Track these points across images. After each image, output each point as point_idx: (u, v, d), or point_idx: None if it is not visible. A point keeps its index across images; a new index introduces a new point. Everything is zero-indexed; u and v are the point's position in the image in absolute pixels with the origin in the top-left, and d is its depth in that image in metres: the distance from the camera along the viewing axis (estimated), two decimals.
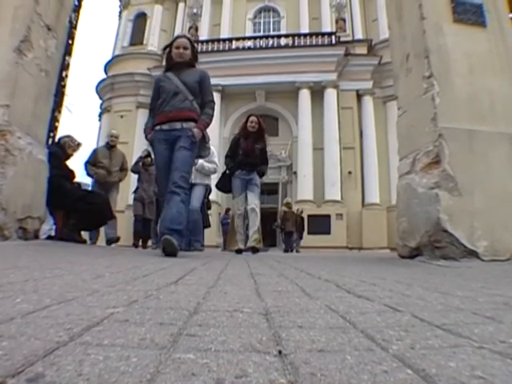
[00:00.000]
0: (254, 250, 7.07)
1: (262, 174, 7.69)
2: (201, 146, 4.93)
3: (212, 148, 7.64)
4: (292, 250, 17.83)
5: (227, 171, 7.86)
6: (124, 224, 16.98)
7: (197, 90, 4.84)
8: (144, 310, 1.05)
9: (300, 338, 0.81)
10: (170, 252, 4.11)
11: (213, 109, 5.02)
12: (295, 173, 28.88)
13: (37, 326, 0.85)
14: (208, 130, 4.93)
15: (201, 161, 8.09)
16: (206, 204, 10.61)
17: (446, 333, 0.89)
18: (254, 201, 7.45)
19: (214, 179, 9.14)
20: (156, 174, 5.13)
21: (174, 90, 4.78)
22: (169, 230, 4.21)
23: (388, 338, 0.82)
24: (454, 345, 0.80)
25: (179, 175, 4.46)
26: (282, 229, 18.72)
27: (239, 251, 7.09)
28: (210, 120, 4.94)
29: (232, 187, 7.68)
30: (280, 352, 0.72)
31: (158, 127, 4.77)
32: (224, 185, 7.93)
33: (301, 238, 20.12)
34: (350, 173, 28.58)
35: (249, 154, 7.46)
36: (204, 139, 4.91)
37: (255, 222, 7.33)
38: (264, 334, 0.84)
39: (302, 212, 20.51)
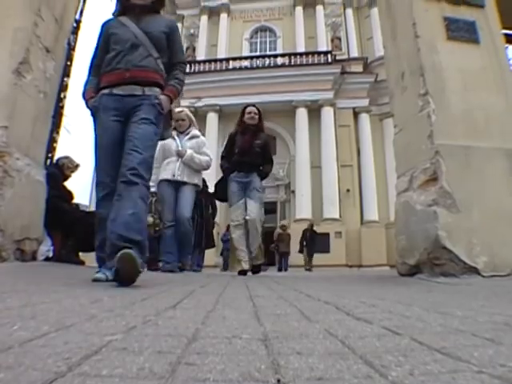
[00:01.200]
0: (255, 269, 6.32)
1: (264, 176, 6.57)
2: (164, 125, 3.68)
3: (202, 137, 7.31)
4: (286, 270, 18.56)
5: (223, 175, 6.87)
6: None
7: (164, 44, 3.61)
8: (142, 338, 1.04)
9: (299, 366, 0.80)
10: (128, 276, 2.70)
11: (184, 73, 3.83)
12: (293, 191, 28.88)
13: (35, 355, 0.85)
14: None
15: (190, 151, 6.75)
16: (212, 214, 10.28)
17: (445, 357, 0.89)
18: (253, 210, 6.26)
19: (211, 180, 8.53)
20: (96, 160, 3.48)
21: (133, 41, 3.48)
22: (124, 241, 2.82)
23: (387, 364, 0.82)
24: (454, 370, 0.79)
25: (139, 159, 3.16)
26: (277, 249, 19.52)
27: (242, 272, 6.10)
28: (181, 87, 3.72)
29: (228, 193, 6.55)
30: (279, 381, 0.72)
31: (106, 90, 3.43)
32: (223, 192, 6.69)
33: (311, 254, 19.73)
34: (348, 191, 28.59)
35: (246, 152, 6.40)
36: (170, 114, 3.72)
37: (255, 237, 6.22)
38: (263, 361, 0.83)
39: (312, 225, 20.47)
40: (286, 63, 30.95)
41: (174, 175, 6.68)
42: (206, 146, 7.20)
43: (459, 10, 5.15)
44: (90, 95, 3.55)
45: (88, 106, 3.56)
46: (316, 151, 28.68)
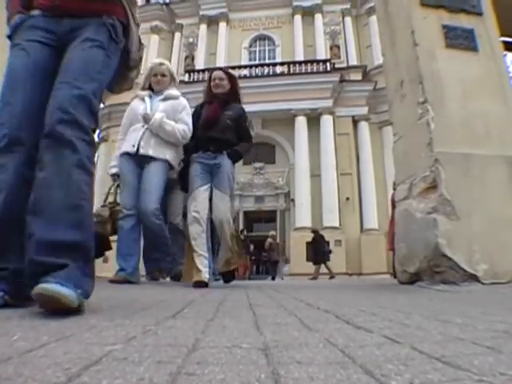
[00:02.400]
0: (226, 276, 5.05)
1: (237, 157, 5.08)
2: (122, 65, 2.47)
3: (182, 99, 5.61)
4: (281, 278, 19.16)
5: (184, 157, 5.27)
6: None
7: None
8: (142, 348, 1.04)
9: (299, 376, 0.80)
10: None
11: None
12: (293, 200, 28.88)
13: (34, 366, 0.85)
14: None
15: (160, 114, 5.11)
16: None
17: (445, 365, 0.89)
18: (220, 205, 4.78)
19: None
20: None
21: None
22: (46, 254, 1.70)
23: (387, 373, 0.82)
24: (454, 378, 0.79)
25: (75, 96, 1.99)
26: (269, 259, 20.01)
27: (200, 284, 4.34)
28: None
29: (189, 178, 4.95)
30: None
31: (36, 12, 2.25)
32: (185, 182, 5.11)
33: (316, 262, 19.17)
34: (347, 199, 28.59)
35: (212, 125, 4.95)
36: (128, 54, 2.50)
37: (227, 240, 4.72)
38: (263, 371, 0.83)
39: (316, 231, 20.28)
40: (285, 72, 31.02)
41: (134, 146, 5.06)
42: (186, 111, 5.38)
43: (457, 17, 5.18)
44: (15, 9, 2.36)
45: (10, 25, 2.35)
46: (315, 159, 28.71)
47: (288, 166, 30.12)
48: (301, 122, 29.63)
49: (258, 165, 30.58)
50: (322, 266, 18.45)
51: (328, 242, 20.18)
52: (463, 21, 5.18)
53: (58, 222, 1.78)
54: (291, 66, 31.40)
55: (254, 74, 31.42)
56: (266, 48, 35.80)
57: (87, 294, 1.78)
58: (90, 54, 2.16)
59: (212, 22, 35.28)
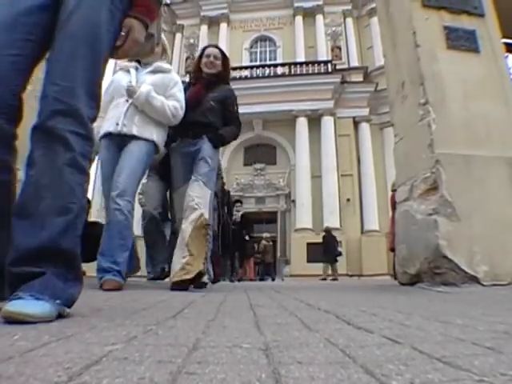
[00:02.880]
0: (197, 283, 4.16)
1: (219, 140, 4.45)
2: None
3: (174, 73, 4.81)
4: (270, 279, 19.26)
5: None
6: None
7: None
8: (143, 347, 1.04)
9: (299, 375, 0.80)
10: None
11: None
12: (294, 201, 28.91)
13: (35, 365, 0.85)
14: None
15: (147, 87, 4.27)
16: (229, 214, 9.14)
17: (445, 366, 0.89)
18: (190, 193, 4.11)
19: None
20: None
21: None
22: (21, 264, 1.54)
23: (387, 373, 0.82)
24: (454, 379, 0.79)
25: (66, 76, 1.73)
26: (262, 261, 20.06)
27: (179, 286, 3.85)
28: None
29: (171, 172, 4.65)
30: None
31: None
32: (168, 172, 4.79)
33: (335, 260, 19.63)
34: (348, 200, 28.62)
35: (193, 108, 4.45)
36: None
37: (184, 238, 3.94)
38: (263, 370, 0.83)
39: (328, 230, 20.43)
40: (286, 73, 31.07)
41: (118, 124, 4.22)
42: (178, 87, 4.55)
43: (459, 18, 5.18)
44: None
45: None
46: (316, 160, 28.73)
47: (289, 167, 30.15)
48: (302, 123, 29.67)
49: (258, 166, 30.63)
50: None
51: (338, 242, 20.36)
52: (465, 22, 5.18)
53: (43, 226, 1.59)
54: (292, 67, 31.45)
55: (254, 75, 31.48)
56: (267, 49, 35.84)
57: (69, 301, 1.63)
58: (91, 18, 1.81)
59: (213, 22, 35.31)
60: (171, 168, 4.61)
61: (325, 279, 17.58)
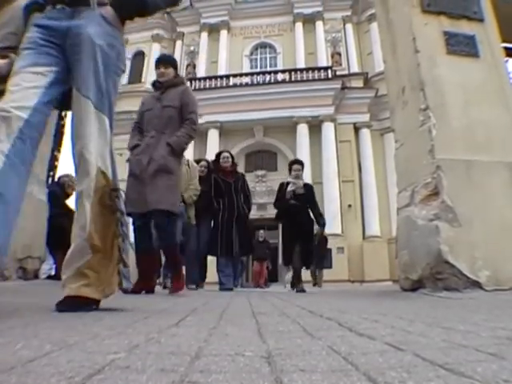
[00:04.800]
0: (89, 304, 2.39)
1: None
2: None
3: None
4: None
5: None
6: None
7: None
8: (145, 356, 1.04)
9: (302, 383, 0.80)
10: None
11: None
12: None
13: (38, 375, 0.84)
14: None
15: None
16: (247, 204, 7.90)
17: (448, 372, 0.88)
18: (83, 126, 2.16)
19: None
20: None
21: None
22: None
23: (390, 381, 0.82)
24: None
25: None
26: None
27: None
28: None
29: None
30: None
31: None
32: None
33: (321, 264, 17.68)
34: (349, 206, 28.60)
35: None
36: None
37: (83, 212, 2.37)
38: (266, 379, 0.83)
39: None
40: (287, 79, 31.12)
41: None
42: None
43: (459, 24, 5.19)
44: None
45: None
46: (317, 167, 28.71)
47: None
48: (302, 130, 29.69)
49: (260, 172, 30.60)
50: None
51: (327, 241, 18.93)
52: (464, 27, 5.19)
53: None
54: (292, 73, 31.51)
55: (255, 82, 31.54)
56: (268, 56, 35.91)
57: None
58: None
59: (213, 30, 35.42)
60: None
61: (315, 284, 16.42)
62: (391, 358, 1.04)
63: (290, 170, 7.89)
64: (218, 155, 7.73)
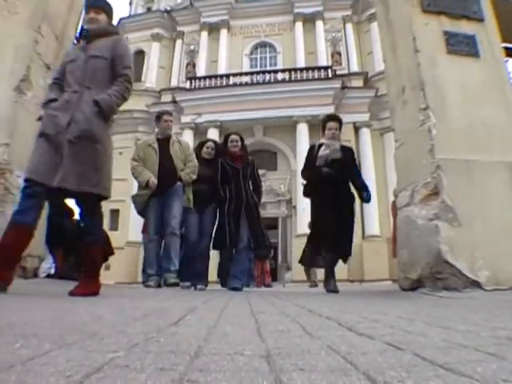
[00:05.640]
0: None
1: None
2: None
3: None
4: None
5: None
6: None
7: None
8: (145, 355, 1.04)
9: (301, 383, 0.80)
10: None
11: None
12: (295, 207, 28.82)
13: (37, 373, 0.84)
14: None
15: None
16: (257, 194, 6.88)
17: (448, 372, 0.88)
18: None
19: None
20: None
21: None
22: None
23: (389, 380, 0.82)
24: None
25: None
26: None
27: None
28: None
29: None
30: None
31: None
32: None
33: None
34: None
35: None
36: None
37: None
38: (265, 378, 0.83)
39: None
40: (287, 78, 31.06)
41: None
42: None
43: (459, 23, 5.19)
44: None
45: None
46: None
47: (290, 173, 30.09)
48: (302, 129, 29.62)
49: (259, 172, 30.53)
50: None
51: None
52: (464, 27, 5.19)
53: None
54: (292, 72, 31.45)
55: (255, 81, 31.48)
56: (267, 55, 35.85)
57: None
58: None
59: (213, 29, 35.36)
60: None
61: (315, 285, 15.25)
62: (391, 358, 1.04)
63: (323, 128, 6.19)
64: (226, 138, 6.81)
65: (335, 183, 5.60)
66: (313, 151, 6.01)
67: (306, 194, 6.30)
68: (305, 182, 6.32)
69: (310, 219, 6.77)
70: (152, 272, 6.09)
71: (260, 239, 6.36)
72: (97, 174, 3.47)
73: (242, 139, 6.82)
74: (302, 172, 6.23)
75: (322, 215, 5.70)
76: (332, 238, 5.48)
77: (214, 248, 6.59)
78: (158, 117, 6.80)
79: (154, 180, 6.10)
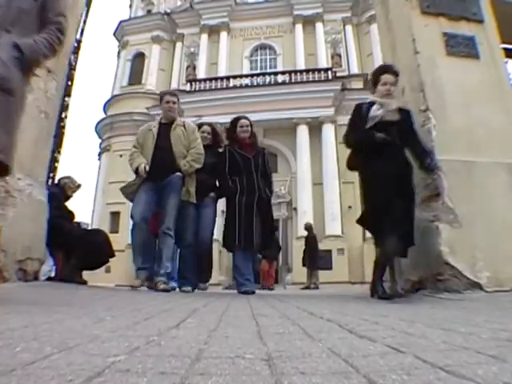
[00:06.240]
0: None
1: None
2: None
3: None
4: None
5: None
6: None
7: None
8: (145, 358, 1.04)
9: None
10: None
11: None
12: (295, 209, 28.79)
13: (38, 377, 0.84)
14: None
15: None
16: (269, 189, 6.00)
17: (449, 375, 0.88)
18: None
19: None
20: None
21: None
22: None
23: (390, 383, 0.82)
24: None
25: None
26: None
27: None
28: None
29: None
30: None
31: None
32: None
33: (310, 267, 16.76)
34: (350, 207, 28.51)
35: None
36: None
37: None
38: (266, 381, 0.83)
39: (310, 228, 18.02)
40: (287, 80, 31.05)
41: None
42: None
43: (458, 25, 5.19)
44: None
45: None
46: (317, 168, 28.66)
47: (290, 175, 30.05)
48: (302, 131, 29.61)
49: None
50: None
51: (317, 242, 18.00)
52: (464, 28, 5.20)
53: None
54: (292, 74, 31.44)
55: (255, 83, 31.48)
56: (268, 57, 35.85)
57: None
58: None
59: (213, 31, 35.37)
60: None
61: (307, 288, 15.43)
62: (392, 361, 1.03)
63: (374, 82, 4.65)
64: (235, 122, 5.95)
65: (391, 152, 4.23)
66: (360, 111, 4.58)
67: (351, 165, 5.03)
68: (348, 152, 5.02)
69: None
70: (139, 265, 5.39)
71: (272, 238, 5.99)
72: (5, 136, 2.66)
73: (251, 125, 6.06)
74: (347, 136, 4.72)
75: (376, 192, 4.31)
76: (396, 227, 4.01)
77: (225, 248, 5.99)
78: (161, 98, 6.01)
79: (144, 167, 5.43)
